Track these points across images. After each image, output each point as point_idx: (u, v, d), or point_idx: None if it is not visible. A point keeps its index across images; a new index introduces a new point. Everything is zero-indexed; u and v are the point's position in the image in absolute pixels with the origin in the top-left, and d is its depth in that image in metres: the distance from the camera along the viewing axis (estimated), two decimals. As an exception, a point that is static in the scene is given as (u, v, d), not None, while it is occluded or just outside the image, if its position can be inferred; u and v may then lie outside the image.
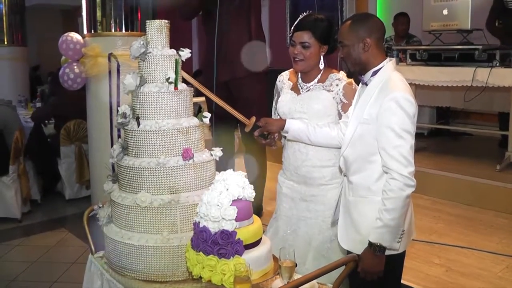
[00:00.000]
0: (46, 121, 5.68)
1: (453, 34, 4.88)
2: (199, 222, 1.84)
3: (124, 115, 2.13)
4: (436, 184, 4.48)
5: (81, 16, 4.63)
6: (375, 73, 1.96)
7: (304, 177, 2.37)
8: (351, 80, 2.26)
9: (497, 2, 5.09)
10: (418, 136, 5.27)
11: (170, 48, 2.21)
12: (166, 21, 2.20)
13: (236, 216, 1.80)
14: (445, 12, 4.73)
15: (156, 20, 2.18)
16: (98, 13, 4.39)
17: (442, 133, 6.15)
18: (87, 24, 4.50)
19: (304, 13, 2.33)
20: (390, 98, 1.86)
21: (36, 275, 3.60)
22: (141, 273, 2.03)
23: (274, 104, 2.53)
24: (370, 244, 1.88)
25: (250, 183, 1.91)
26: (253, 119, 2.33)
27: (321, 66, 2.32)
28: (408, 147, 1.85)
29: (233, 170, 1.93)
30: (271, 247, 1.94)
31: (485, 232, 3.73)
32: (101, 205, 2.28)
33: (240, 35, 3.85)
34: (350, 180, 2.03)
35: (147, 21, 2.20)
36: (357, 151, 1.99)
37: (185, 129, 2.11)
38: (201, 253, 1.78)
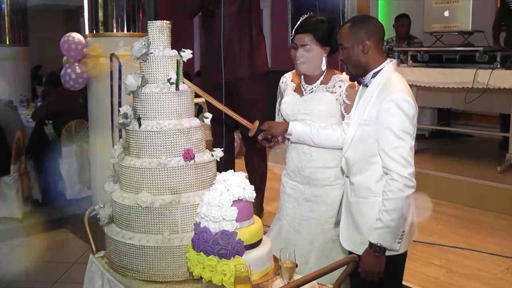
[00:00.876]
0: (46, 121, 5.69)
1: (454, 36, 4.89)
2: (199, 223, 1.84)
3: (125, 116, 2.14)
4: (437, 185, 4.48)
5: (83, 16, 4.64)
6: (375, 74, 1.96)
7: (307, 178, 2.38)
8: (354, 81, 2.26)
9: (502, 5, 5.10)
10: (419, 137, 5.33)
11: (172, 48, 2.21)
12: (168, 21, 2.21)
13: (236, 217, 1.80)
14: (446, 13, 4.73)
15: (157, 21, 2.19)
16: (100, 14, 4.40)
17: (443, 135, 6.16)
18: (89, 24, 4.51)
19: (305, 15, 2.33)
20: (389, 100, 1.87)
21: (37, 275, 3.61)
22: (142, 273, 2.03)
23: (277, 105, 2.53)
24: (370, 244, 1.88)
25: (251, 184, 1.91)
26: (257, 123, 2.33)
27: (323, 67, 2.33)
28: (407, 148, 1.85)
29: (234, 170, 1.94)
30: (271, 247, 1.94)
31: (486, 233, 3.73)
32: (102, 205, 2.28)
33: (241, 36, 3.86)
34: (352, 181, 2.04)
35: (149, 21, 2.20)
36: (358, 153, 1.99)
37: (186, 129, 2.12)
38: (201, 253, 1.79)
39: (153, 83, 2.14)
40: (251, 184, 1.90)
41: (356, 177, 2.01)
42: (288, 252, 1.77)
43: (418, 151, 4.81)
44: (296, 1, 7.69)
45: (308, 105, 2.32)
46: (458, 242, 3.55)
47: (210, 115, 2.25)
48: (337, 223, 2.26)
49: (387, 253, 1.89)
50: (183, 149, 2.09)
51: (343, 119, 2.29)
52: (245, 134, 4.02)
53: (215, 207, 1.80)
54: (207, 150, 2.24)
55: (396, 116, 1.85)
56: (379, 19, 2.43)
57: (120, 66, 4.09)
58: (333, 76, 2.33)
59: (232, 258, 1.75)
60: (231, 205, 1.81)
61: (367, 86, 1.99)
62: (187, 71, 7.18)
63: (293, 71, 2.47)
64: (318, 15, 2.38)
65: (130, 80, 2.12)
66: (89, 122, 4.68)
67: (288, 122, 2.30)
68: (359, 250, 1.94)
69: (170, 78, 2.12)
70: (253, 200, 1.91)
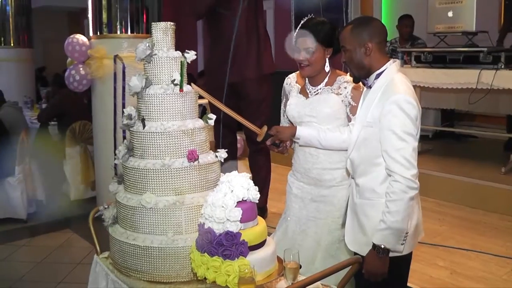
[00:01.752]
0: (50, 122, 5.72)
1: (458, 36, 4.88)
2: (204, 223, 1.85)
3: (129, 117, 2.14)
4: (441, 186, 4.48)
5: (87, 18, 4.66)
6: (378, 75, 1.96)
7: (314, 179, 2.38)
8: (359, 82, 2.26)
9: (510, 8, 5.09)
10: (423, 138, 5.32)
11: (176, 50, 2.22)
12: (172, 23, 2.21)
13: (240, 218, 1.80)
14: (450, 14, 4.73)
15: (161, 22, 2.20)
16: (104, 15, 4.41)
17: (446, 135, 6.14)
18: (93, 26, 4.52)
19: (306, 18, 2.33)
20: (391, 101, 1.87)
21: (41, 275, 3.62)
22: (146, 273, 2.04)
23: (282, 107, 2.54)
24: (374, 246, 1.88)
25: (255, 185, 1.91)
26: (265, 128, 2.34)
27: (327, 68, 2.33)
28: (410, 150, 1.85)
29: (237, 171, 1.94)
30: (275, 248, 1.94)
31: (490, 234, 3.72)
32: (106, 206, 2.29)
33: (249, 37, 3.87)
34: (357, 182, 2.04)
35: (153, 23, 2.21)
36: (362, 154, 2.00)
37: (190, 130, 2.12)
38: (205, 254, 1.79)
39: (157, 84, 2.15)
40: (255, 185, 1.90)
41: (361, 179, 2.02)
42: (292, 253, 1.78)
43: (422, 152, 4.80)
44: (300, 2, 7.69)
45: (314, 108, 2.32)
46: (462, 243, 3.54)
47: (214, 116, 2.25)
48: (344, 224, 2.25)
49: (391, 254, 1.89)
50: (187, 150, 2.09)
51: (349, 121, 2.29)
52: (249, 135, 4.04)
53: (219, 208, 1.81)
54: (211, 151, 2.25)
55: (399, 118, 1.85)
56: (382, 20, 2.43)
57: (124, 67, 4.10)
58: (338, 78, 2.33)
59: (236, 259, 1.75)
60: (235, 206, 1.81)
61: (370, 88, 1.99)
62: (191, 73, 7.20)
63: (297, 72, 2.47)
64: (322, 16, 2.38)
65: (134, 82, 2.13)
66: (93, 123, 4.69)
67: (296, 127, 2.31)
68: (364, 251, 1.94)
69: (174, 79, 2.12)
70: (257, 201, 1.91)
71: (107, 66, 4.29)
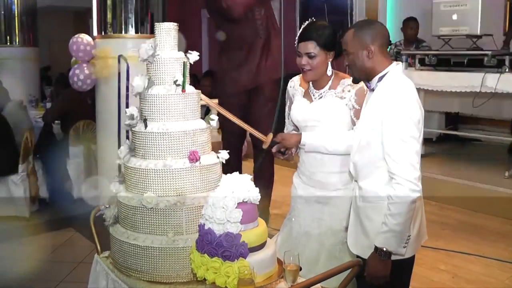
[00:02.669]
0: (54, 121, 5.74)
1: (462, 39, 4.87)
2: (204, 224, 1.85)
3: (131, 117, 2.15)
4: (444, 190, 4.46)
5: (92, 17, 4.67)
6: (381, 78, 1.96)
7: (319, 182, 2.38)
8: (363, 85, 2.24)
9: None
10: (427, 141, 5.31)
11: (179, 50, 2.22)
12: (175, 23, 2.22)
13: (241, 219, 1.80)
14: (454, 17, 4.72)
15: (164, 23, 2.20)
16: (109, 15, 4.43)
17: (450, 139, 6.13)
18: (97, 25, 4.54)
19: (306, 22, 2.33)
20: (394, 104, 1.86)
21: (43, 274, 3.63)
22: (146, 273, 2.04)
23: (287, 109, 2.54)
24: (376, 248, 1.88)
25: (258, 187, 1.91)
26: (270, 136, 2.35)
27: (329, 72, 2.32)
28: (413, 152, 1.85)
29: (240, 172, 1.94)
30: (275, 250, 1.94)
31: (492, 239, 3.71)
32: (107, 206, 2.29)
33: (269, 41, 3.91)
34: (360, 185, 2.04)
35: (156, 23, 2.21)
36: (365, 157, 1.99)
37: (192, 131, 2.12)
38: (205, 255, 1.79)
39: (159, 84, 2.15)
40: (258, 187, 1.90)
41: (364, 182, 2.01)
42: (292, 255, 1.77)
43: (425, 155, 4.80)
44: (304, 4, 7.69)
45: (318, 112, 2.32)
46: (464, 247, 3.53)
47: (216, 117, 2.25)
48: (347, 227, 2.25)
49: (394, 257, 1.88)
50: (188, 151, 2.10)
51: (353, 124, 2.28)
52: (254, 141, 4.03)
53: (220, 209, 1.80)
54: (212, 152, 2.25)
55: (401, 121, 1.85)
56: (387, 22, 2.43)
57: (128, 67, 4.11)
58: (342, 81, 2.32)
59: (236, 260, 1.75)
60: (236, 207, 1.81)
61: (373, 90, 1.99)
62: (195, 74, 7.20)
63: (301, 75, 2.47)
64: (327, 18, 2.38)
65: (137, 82, 2.13)
66: (97, 123, 4.71)
67: (301, 134, 2.31)
68: (367, 254, 1.94)
69: (177, 80, 2.13)
70: (258, 203, 1.91)
71: (112, 66, 4.30)
